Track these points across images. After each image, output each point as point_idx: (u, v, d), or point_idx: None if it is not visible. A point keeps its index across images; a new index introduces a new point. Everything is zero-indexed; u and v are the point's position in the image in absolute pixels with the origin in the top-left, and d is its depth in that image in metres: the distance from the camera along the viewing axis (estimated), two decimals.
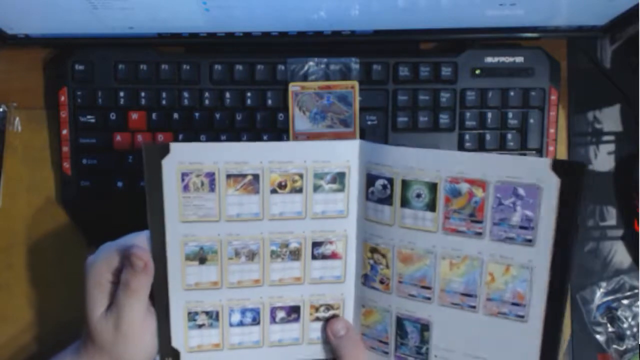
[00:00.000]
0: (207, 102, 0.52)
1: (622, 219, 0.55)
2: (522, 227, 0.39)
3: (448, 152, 0.41)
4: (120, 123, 0.52)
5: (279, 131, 0.52)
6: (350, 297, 0.45)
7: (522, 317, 0.40)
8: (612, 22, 0.50)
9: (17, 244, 0.55)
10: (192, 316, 0.43)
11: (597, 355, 0.54)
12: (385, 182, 0.42)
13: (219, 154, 0.41)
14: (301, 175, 0.42)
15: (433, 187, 0.41)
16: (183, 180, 0.41)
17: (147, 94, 0.52)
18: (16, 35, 0.51)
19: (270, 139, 0.52)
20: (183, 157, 0.41)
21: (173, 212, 0.41)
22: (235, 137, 0.52)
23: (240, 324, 0.44)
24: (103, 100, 0.52)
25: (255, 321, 0.44)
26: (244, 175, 0.42)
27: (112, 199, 0.52)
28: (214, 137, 0.52)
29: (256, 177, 0.42)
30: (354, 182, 0.43)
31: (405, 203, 0.41)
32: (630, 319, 0.54)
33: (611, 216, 0.55)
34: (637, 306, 0.54)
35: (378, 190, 0.42)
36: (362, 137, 0.52)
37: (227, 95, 0.52)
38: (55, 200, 0.54)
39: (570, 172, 0.37)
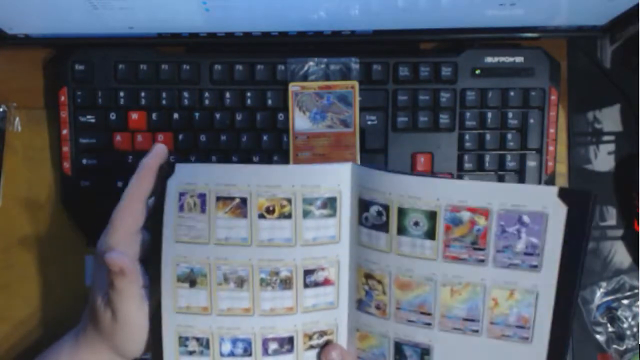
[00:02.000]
0: (207, 102, 0.52)
1: (622, 219, 0.55)
2: (527, 254, 0.38)
3: (447, 180, 0.41)
4: (120, 123, 0.52)
5: (279, 131, 0.52)
6: (344, 322, 0.43)
7: (527, 338, 0.39)
8: (612, 22, 0.50)
9: (17, 244, 0.55)
10: (183, 341, 0.42)
11: (597, 355, 0.54)
12: (380, 208, 0.40)
13: (211, 175, 0.41)
14: (289, 200, 0.41)
15: (432, 215, 0.39)
16: (180, 199, 0.41)
17: (147, 94, 0.52)
18: (16, 35, 0.51)
19: (270, 139, 0.52)
20: (183, 177, 0.41)
21: (169, 231, 0.41)
22: (235, 137, 0.52)
23: (232, 354, 0.42)
24: (103, 100, 0.52)
25: (247, 352, 0.42)
26: (232, 198, 0.41)
27: (112, 199, 0.52)
28: (214, 137, 0.52)
29: (244, 200, 0.41)
30: (345, 206, 0.41)
31: (402, 231, 0.40)
32: (630, 319, 0.54)
33: (611, 216, 0.55)
34: (637, 306, 0.54)
35: (372, 217, 0.41)
36: (362, 136, 0.52)
37: (227, 95, 0.52)
38: (55, 200, 0.54)
39: (578, 200, 0.37)
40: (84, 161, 0.52)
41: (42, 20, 0.49)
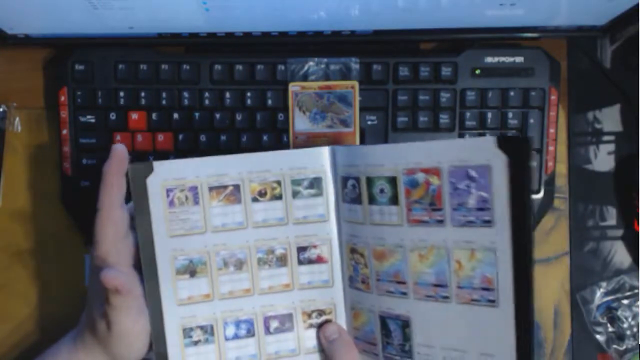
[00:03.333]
0: (207, 102, 0.52)
1: (622, 219, 0.55)
2: (479, 210, 0.39)
3: (402, 144, 0.41)
4: (120, 123, 0.52)
5: (279, 131, 0.52)
6: (340, 301, 0.45)
7: (493, 301, 0.39)
8: (612, 22, 0.50)
9: (17, 244, 0.55)
10: (187, 332, 0.43)
11: (597, 355, 0.54)
12: (354, 181, 0.43)
13: (200, 168, 0.43)
14: (279, 183, 0.44)
15: (393, 181, 0.41)
16: (168, 195, 0.42)
17: (147, 94, 0.52)
18: (16, 35, 0.51)
19: (270, 139, 0.52)
20: (166, 174, 0.42)
21: (161, 228, 0.42)
22: (235, 137, 0.52)
23: (236, 336, 0.44)
24: (103, 100, 0.52)
25: (250, 333, 0.44)
26: (225, 187, 0.43)
27: None
28: (214, 137, 0.52)
29: (237, 187, 0.43)
30: (330, 186, 0.44)
31: (371, 200, 0.42)
32: (630, 319, 0.54)
33: (611, 216, 0.55)
34: (637, 306, 0.54)
35: (350, 191, 0.43)
36: (362, 136, 0.52)
37: (227, 95, 0.52)
38: (55, 200, 0.54)
39: (517, 148, 0.37)
40: (84, 161, 0.52)
41: (42, 20, 0.49)
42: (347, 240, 0.44)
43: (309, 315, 0.45)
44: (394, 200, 0.41)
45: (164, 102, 0.52)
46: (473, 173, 0.39)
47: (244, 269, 0.44)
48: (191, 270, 0.43)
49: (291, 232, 0.44)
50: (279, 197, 0.44)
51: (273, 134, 0.52)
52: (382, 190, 0.42)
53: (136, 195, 0.42)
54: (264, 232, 0.44)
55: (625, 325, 0.54)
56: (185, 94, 0.52)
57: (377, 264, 0.42)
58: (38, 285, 0.54)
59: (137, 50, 0.52)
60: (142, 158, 0.52)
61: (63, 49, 0.53)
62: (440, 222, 0.40)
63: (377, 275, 0.43)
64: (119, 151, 0.42)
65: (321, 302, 0.45)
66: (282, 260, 0.44)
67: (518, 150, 0.37)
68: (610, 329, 0.54)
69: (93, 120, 0.52)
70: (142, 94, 0.52)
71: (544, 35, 0.52)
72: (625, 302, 0.54)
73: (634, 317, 0.54)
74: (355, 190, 0.43)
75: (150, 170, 0.42)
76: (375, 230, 0.42)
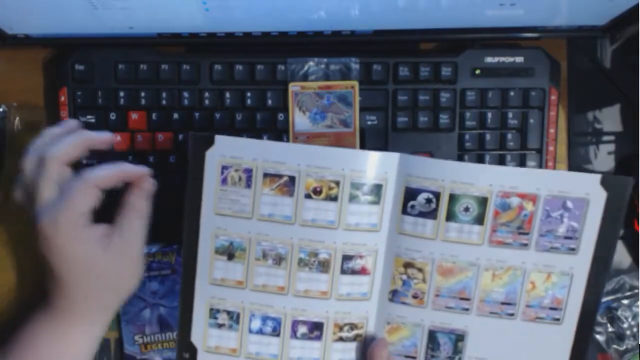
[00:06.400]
0: (207, 102, 0.52)
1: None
2: (567, 237, 0.41)
3: (500, 167, 0.43)
4: (120, 123, 0.52)
5: (279, 131, 0.52)
6: (373, 315, 0.43)
7: (558, 319, 0.41)
8: (612, 22, 0.50)
9: (17, 243, 0.54)
10: (213, 313, 0.42)
11: (597, 355, 0.54)
12: (431, 195, 0.41)
13: (259, 151, 0.41)
14: (337, 183, 0.41)
15: (483, 201, 0.41)
16: (222, 173, 0.41)
17: (147, 94, 0.52)
18: (16, 35, 0.51)
19: (270, 139, 0.52)
20: (225, 150, 0.41)
21: (209, 204, 0.41)
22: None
23: (260, 331, 0.43)
24: (103, 100, 0.52)
25: (276, 332, 0.43)
26: (280, 176, 0.41)
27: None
28: None
29: (292, 179, 0.41)
30: (389, 195, 0.42)
31: (450, 217, 0.41)
32: (630, 319, 0.54)
33: None
34: (637, 306, 0.54)
35: (421, 204, 0.41)
36: (362, 136, 0.52)
37: (227, 95, 0.52)
38: None
39: (618, 187, 0.40)
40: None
41: (42, 20, 0.49)
42: (399, 254, 0.42)
43: (341, 328, 0.43)
44: (479, 220, 0.41)
45: (164, 102, 0.52)
46: (569, 204, 0.40)
47: (283, 265, 0.42)
48: (230, 252, 0.42)
49: (339, 238, 0.42)
50: (334, 199, 0.41)
51: (273, 134, 0.52)
52: (466, 209, 0.41)
53: (193, 165, 0.41)
54: (311, 232, 0.42)
55: (625, 325, 0.54)
56: (185, 94, 0.52)
57: (440, 279, 0.42)
58: (37, 285, 0.54)
59: (137, 50, 0.52)
60: (142, 158, 0.52)
61: (63, 49, 0.53)
62: (524, 245, 0.41)
63: (437, 291, 0.42)
64: (72, 125, 0.43)
65: (355, 316, 0.43)
66: (324, 266, 0.42)
67: (619, 190, 0.40)
68: (610, 329, 0.54)
69: (93, 120, 0.52)
70: (142, 94, 0.52)
71: (544, 35, 0.52)
72: (625, 302, 0.54)
73: (634, 317, 0.54)
74: (430, 205, 0.41)
75: (211, 142, 0.41)
76: (447, 246, 0.41)
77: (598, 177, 0.40)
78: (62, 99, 0.52)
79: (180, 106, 0.52)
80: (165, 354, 0.52)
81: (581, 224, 0.40)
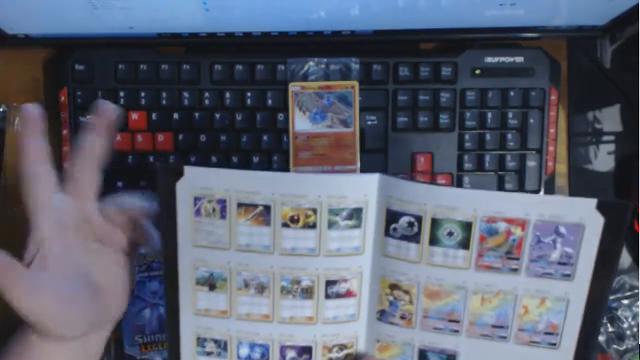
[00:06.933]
0: (207, 102, 0.52)
1: None
2: (560, 263, 0.39)
3: (485, 192, 0.40)
4: (120, 123, 0.52)
5: (279, 131, 0.52)
6: (363, 334, 0.42)
7: (554, 344, 0.40)
8: (612, 22, 0.50)
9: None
10: (200, 342, 0.42)
11: (597, 355, 0.54)
12: (412, 219, 0.40)
13: (231, 181, 0.40)
14: (314, 211, 0.40)
15: (467, 226, 0.39)
16: (195, 204, 0.40)
17: (147, 94, 0.52)
18: (16, 35, 0.51)
19: (270, 139, 0.52)
20: (195, 181, 0.39)
21: (185, 236, 0.40)
22: (235, 137, 0.52)
23: (249, 358, 0.42)
24: None
25: (264, 358, 0.42)
26: (255, 206, 0.40)
27: None
28: (214, 137, 0.52)
29: (267, 208, 0.40)
30: (371, 217, 0.40)
31: (434, 241, 0.40)
32: (630, 319, 0.54)
33: None
34: (637, 306, 0.54)
35: (402, 228, 0.40)
36: (362, 136, 0.52)
37: (227, 95, 0.52)
38: None
39: (616, 212, 0.37)
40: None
41: (42, 20, 0.49)
42: (384, 275, 0.41)
43: (330, 350, 0.42)
44: (464, 245, 0.39)
45: (164, 102, 0.52)
46: (562, 229, 0.38)
47: (265, 294, 0.41)
48: (211, 283, 0.41)
49: (321, 265, 0.40)
50: (312, 226, 0.40)
51: (273, 134, 0.52)
52: (450, 233, 0.39)
53: (163, 197, 0.39)
54: (292, 260, 0.40)
55: (625, 325, 0.54)
56: (185, 94, 0.52)
57: (427, 301, 0.41)
58: None
59: (137, 50, 0.52)
60: (142, 158, 0.52)
61: (63, 49, 0.53)
62: (514, 270, 0.39)
63: (424, 312, 0.41)
64: (32, 112, 0.41)
65: (344, 337, 0.42)
66: (307, 293, 0.41)
67: (616, 215, 0.37)
68: (610, 329, 0.54)
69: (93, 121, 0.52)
70: (142, 94, 0.52)
71: (544, 35, 0.52)
72: (625, 302, 0.54)
73: (634, 317, 0.54)
74: (412, 229, 0.40)
75: (180, 174, 0.39)
76: (432, 270, 0.40)
77: (594, 201, 0.38)
78: (62, 99, 0.52)
79: (180, 106, 0.52)
80: (165, 354, 0.52)
81: (576, 250, 0.38)
